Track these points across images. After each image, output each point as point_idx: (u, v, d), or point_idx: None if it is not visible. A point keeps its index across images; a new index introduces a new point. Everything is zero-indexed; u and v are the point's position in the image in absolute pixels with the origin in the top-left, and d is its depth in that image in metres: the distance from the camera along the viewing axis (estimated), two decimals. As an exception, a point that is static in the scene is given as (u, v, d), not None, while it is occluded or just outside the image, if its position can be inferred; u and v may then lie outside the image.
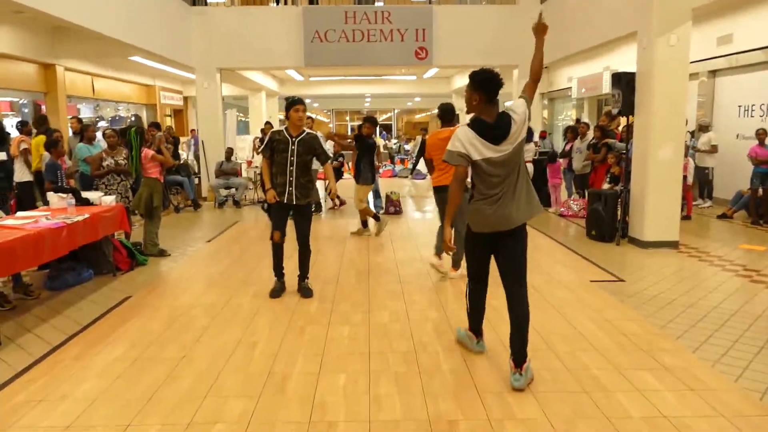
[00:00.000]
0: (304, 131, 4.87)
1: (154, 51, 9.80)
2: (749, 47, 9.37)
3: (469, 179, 3.45)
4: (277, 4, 12.59)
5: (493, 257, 3.45)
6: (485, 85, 3.25)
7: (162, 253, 6.79)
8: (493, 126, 3.20)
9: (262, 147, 4.98)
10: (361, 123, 8.18)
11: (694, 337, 4.04)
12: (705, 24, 9.80)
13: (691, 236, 7.61)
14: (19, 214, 5.47)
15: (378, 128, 9.09)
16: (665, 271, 5.90)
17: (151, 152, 6.73)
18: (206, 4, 12.28)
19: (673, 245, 6.96)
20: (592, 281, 5.54)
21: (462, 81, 18.48)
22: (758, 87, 9.52)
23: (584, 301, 4.91)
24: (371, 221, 7.96)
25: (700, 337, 4.04)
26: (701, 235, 7.85)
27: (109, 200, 6.11)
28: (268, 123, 11.00)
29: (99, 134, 9.07)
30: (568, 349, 3.82)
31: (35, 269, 5.82)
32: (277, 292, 5.08)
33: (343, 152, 11.39)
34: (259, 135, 12.15)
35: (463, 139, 3.21)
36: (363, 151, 7.91)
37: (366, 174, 7.83)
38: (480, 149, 3.18)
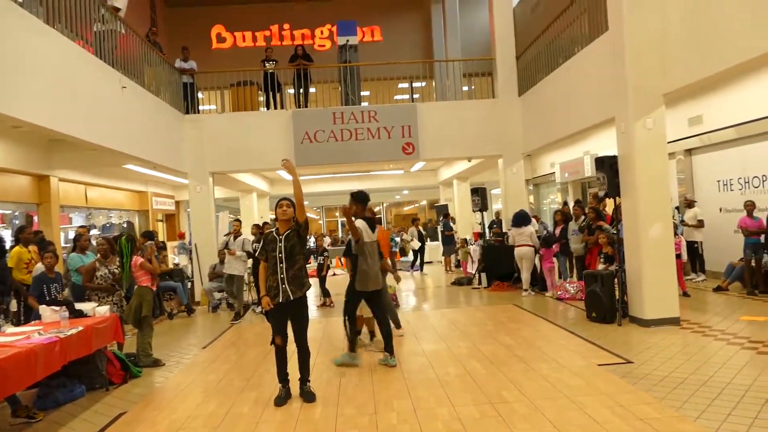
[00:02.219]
0: (291, 227, 4.89)
1: (149, 159, 10.04)
2: (719, 126, 9.82)
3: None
4: (267, 108, 13.11)
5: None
6: (363, 199, 6.11)
7: (156, 363, 6.59)
8: (371, 220, 6.15)
9: (259, 251, 5.01)
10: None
11: (714, 416, 3.91)
12: (676, 106, 10.31)
13: (690, 312, 7.55)
14: (10, 330, 5.33)
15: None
16: (672, 349, 5.81)
17: (140, 260, 6.69)
18: (198, 111, 12.77)
19: (675, 322, 6.90)
20: (599, 365, 5.42)
21: (448, 172, 18.97)
22: (735, 162, 9.87)
23: (595, 386, 4.78)
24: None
25: (719, 416, 3.91)
26: (700, 309, 7.81)
27: (103, 311, 6.00)
28: (237, 220, 10.91)
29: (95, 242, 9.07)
30: (586, 440, 3.66)
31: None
32: (282, 399, 4.88)
33: (327, 249, 11.46)
34: (229, 232, 11.10)
35: (362, 226, 5.90)
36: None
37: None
38: (369, 234, 5.93)
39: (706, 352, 5.62)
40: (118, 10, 8.96)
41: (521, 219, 10.28)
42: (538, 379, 5.12)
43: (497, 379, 5.19)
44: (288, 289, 4.82)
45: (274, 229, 4.98)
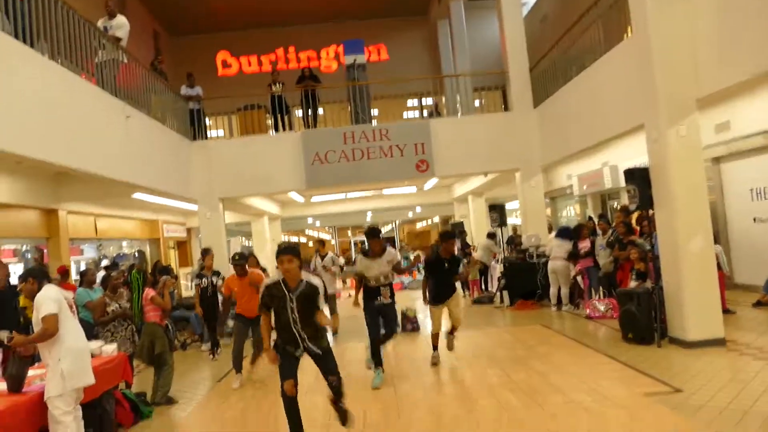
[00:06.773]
0: (302, 281, 4.23)
1: (158, 187, 9.77)
2: (748, 133, 9.38)
3: None
4: (276, 131, 12.86)
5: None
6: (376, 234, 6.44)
7: (170, 401, 6.22)
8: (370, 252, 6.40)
9: (259, 304, 4.34)
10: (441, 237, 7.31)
11: (793, 459, 3.46)
12: (701, 113, 9.88)
13: (734, 330, 7.06)
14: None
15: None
16: (723, 375, 5.35)
17: (151, 293, 6.38)
18: (206, 137, 12.55)
19: (721, 343, 6.42)
20: (646, 394, 4.98)
21: (462, 189, 18.60)
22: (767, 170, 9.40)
23: (647, 422, 4.34)
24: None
25: (799, 458, 3.46)
26: (744, 327, 7.31)
27: (111, 350, 5.65)
28: (206, 250, 10.00)
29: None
30: (651, 490, 3.23)
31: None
32: None
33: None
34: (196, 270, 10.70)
35: (357, 260, 6.52)
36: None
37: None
38: (364, 263, 6.35)
39: (763, 378, 5.16)
40: (119, 40, 8.75)
41: (566, 232, 10.21)
42: (580, 412, 4.69)
43: (535, 415, 4.76)
44: (308, 346, 4.27)
45: (281, 279, 4.25)
